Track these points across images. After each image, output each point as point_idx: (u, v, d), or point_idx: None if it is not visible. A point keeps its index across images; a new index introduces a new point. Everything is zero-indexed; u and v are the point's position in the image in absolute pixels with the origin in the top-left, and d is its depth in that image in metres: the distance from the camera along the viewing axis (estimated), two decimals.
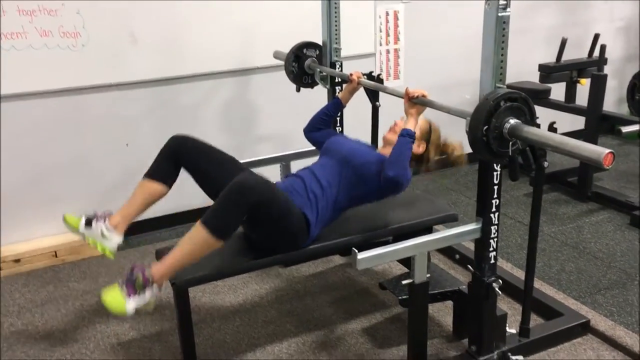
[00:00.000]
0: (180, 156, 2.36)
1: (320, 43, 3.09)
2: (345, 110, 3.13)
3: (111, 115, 3.34)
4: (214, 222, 2.01)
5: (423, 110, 2.29)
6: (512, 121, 1.82)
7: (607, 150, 1.60)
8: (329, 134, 2.71)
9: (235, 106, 3.68)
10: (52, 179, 3.28)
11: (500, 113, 1.81)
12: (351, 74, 2.74)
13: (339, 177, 2.36)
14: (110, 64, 3.24)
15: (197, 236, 2.02)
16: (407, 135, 2.24)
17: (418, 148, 2.44)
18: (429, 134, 2.48)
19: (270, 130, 3.80)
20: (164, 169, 2.37)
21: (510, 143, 1.85)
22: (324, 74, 3.06)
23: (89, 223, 2.29)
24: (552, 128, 3.70)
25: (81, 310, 2.82)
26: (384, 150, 2.45)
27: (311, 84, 3.18)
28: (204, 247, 2.03)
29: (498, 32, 1.86)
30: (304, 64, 3.11)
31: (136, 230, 3.45)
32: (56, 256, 3.26)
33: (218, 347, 2.50)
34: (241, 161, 2.98)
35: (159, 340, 2.58)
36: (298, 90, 3.18)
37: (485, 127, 1.80)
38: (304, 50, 3.10)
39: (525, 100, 1.85)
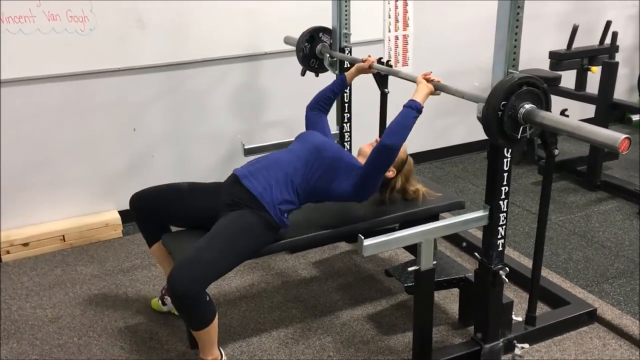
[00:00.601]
0: (149, 217, 2.42)
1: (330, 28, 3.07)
2: (353, 98, 3.12)
3: (119, 100, 3.34)
4: (198, 323, 2.08)
5: (438, 94, 2.27)
6: (528, 106, 1.81)
7: (624, 136, 1.58)
8: (320, 123, 2.69)
9: (244, 92, 3.66)
10: (60, 163, 3.29)
11: (521, 94, 1.80)
12: (369, 56, 2.72)
13: (305, 167, 2.32)
14: (118, 49, 3.22)
15: (204, 337, 2.13)
16: (414, 108, 2.18)
17: (388, 173, 2.42)
18: (404, 164, 2.48)
19: (278, 116, 3.78)
20: (149, 232, 2.47)
21: (522, 128, 1.84)
22: (334, 59, 3.04)
23: (164, 302, 2.65)
24: (563, 115, 3.67)
25: (89, 294, 2.84)
26: (359, 158, 2.44)
27: (317, 70, 3.15)
28: (215, 330, 2.13)
29: (512, 16, 1.83)
30: (316, 48, 3.09)
31: None
32: (64, 240, 3.27)
33: (224, 331, 2.51)
34: (248, 147, 3.02)
35: (166, 324, 2.59)
36: (303, 73, 3.16)
37: (503, 103, 1.79)
38: (320, 34, 3.08)
39: (544, 91, 1.84)
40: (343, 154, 2.41)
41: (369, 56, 2.72)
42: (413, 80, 2.35)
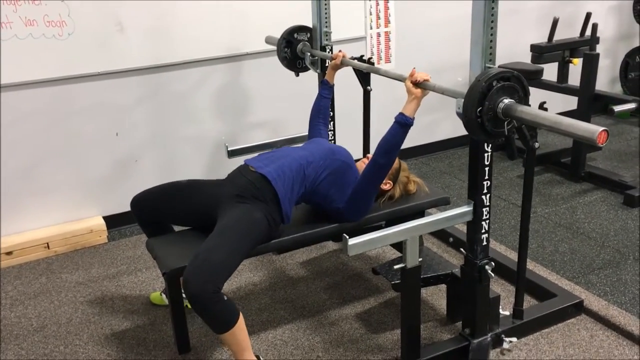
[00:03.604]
0: (150, 219, 2.43)
1: (311, 26, 3.05)
2: (336, 96, 3.11)
3: (100, 105, 3.30)
4: (220, 324, 2.04)
5: (427, 93, 2.19)
6: (506, 100, 1.80)
7: (601, 128, 1.59)
8: (320, 134, 2.74)
9: (227, 93, 3.64)
10: (42, 171, 3.25)
11: (493, 94, 1.79)
12: (340, 51, 2.74)
13: (318, 162, 2.36)
14: (98, 53, 3.19)
15: (231, 341, 2.08)
16: (404, 124, 2.18)
17: (384, 186, 2.48)
18: (398, 173, 2.53)
19: (262, 116, 3.77)
20: (151, 231, 2.46)
21: (506, 122, 1.83)
22: (315, 58, 3.02)
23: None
24: (542, 108, 3.68)
25: (74, 301, 2.81)
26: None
27: (306, 68, 3.14)
28: (242, 332, 2.08)
29: (487, 11, 1.83)
30: (297, 49, 3.07)
31: (128, 221, 3.44)
32: (48, 248, 3.24)
33: (211, 335, 2.49)
34: (232, 148, 3.00)
35: (153, 329, 2.57)
36: (297, 75, 3.14)
37: (479, 109, 1.78)
38: (295, 35, 3.05)
39: (518, 79, 1.83)
40: (353, 165, 2.45)
41: (340, 51, 2.73)
42: (394, 78, 2.34)
